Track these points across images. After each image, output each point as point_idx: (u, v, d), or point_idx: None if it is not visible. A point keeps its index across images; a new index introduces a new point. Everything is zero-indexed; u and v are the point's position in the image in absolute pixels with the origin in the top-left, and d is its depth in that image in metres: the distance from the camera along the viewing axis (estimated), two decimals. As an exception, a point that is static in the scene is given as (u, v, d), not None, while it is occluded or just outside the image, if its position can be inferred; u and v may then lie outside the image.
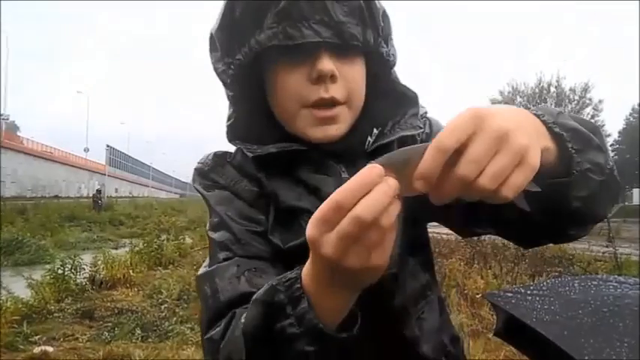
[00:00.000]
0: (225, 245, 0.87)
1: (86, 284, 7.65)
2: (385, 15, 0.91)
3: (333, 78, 0.84)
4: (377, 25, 0.87)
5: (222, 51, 0.90)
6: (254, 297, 0.70)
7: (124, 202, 38.10)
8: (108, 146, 69.73)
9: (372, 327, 0.75)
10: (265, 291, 0.69)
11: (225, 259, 0.85)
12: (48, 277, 7.14)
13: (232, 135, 0.96)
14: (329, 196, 0.57)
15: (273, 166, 0.92)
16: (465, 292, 6.38)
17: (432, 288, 1.00)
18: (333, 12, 0.81)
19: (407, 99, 0.98)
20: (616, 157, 44.73)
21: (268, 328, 0.66)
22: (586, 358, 1.54)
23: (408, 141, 0.94)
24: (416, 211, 0.91)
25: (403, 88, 0.98)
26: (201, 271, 0.89)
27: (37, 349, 4.96)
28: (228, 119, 0.95)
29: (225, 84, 0.92)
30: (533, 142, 0.58)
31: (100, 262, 8.31)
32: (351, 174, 0.57)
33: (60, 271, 7.31)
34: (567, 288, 1.89)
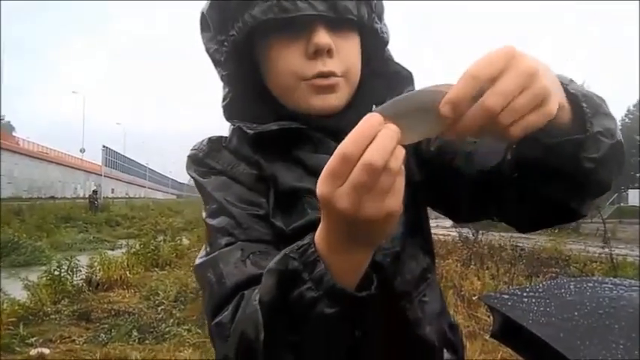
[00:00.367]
0: (226, 230, 0.85)
1: (83, 286, 7.63)
2: None
3: (330, 52, 0.84)
4: (370, 2, 0.88)
5: (215, 29, 0.89)
6: (267, 268, 0.69)
7: (121, 202, 38.02)
8: (104, 147, 69.47)
9: (376, 308, 0.76)
10: (278, 260, 0.68)
11: (227, 245, 0.83)
12: (44, 279, 7.13)
13: (229, 114, 0.95)
14: None
15: (270, 147, 0.90)
16: (462, 293, 6.38)
17: (431, 271, 0.99)
18: None
19: (402, 77, 0.97)
20: (612, 158, 44.68)
21: (285, 298, 0.65)
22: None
23: None
24: (416, 194, 0.92)
25: (398, 67, 0.98)
26: (200, 260, 0.87)
27: (33, 351, 4.95)
28: (224, 99, 0.95)
29: (218, 63, 0.92)
30: (555, 90, 0.60)
31: (96, 264, 8.29)
32: None
33: (56, 273, 7.30)
34: (563, 290, 1.90)
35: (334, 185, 0.58)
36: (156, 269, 9.79)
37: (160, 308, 6.52)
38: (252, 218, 0.86)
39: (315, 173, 0.88)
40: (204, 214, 0.92)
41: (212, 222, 0.88)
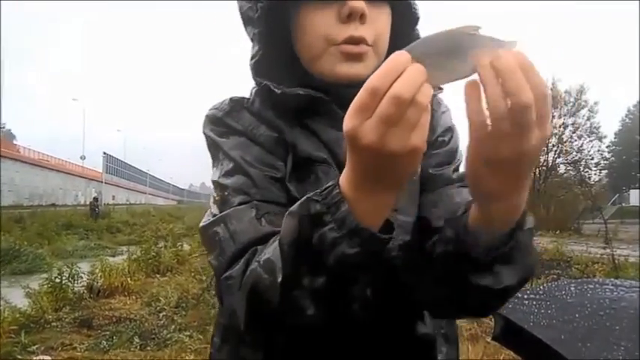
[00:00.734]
0: (241, 190, 0.84)
1: (84, 293, 7.61)
2: None
3: (363, 18, 0.83)
4: None
5: None
6: (288, 211, 0.69)
7: (121, 209, 37.98)
8: (104, 153, 69.56)
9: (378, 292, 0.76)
10: (300, 204, 0.67)
11: (241, 203, 0.82)
12: (45, 286, 7.11)
13: (257, 72, 0.93)
14: (339, 155, 0.60)
15: (292, 113, 0.90)
16: (464, 295, 6.36)
17: None
18: None
19: None
20: (612, 158, 44.85)
21: (306, 239, 0.65)
22: (583, 362, 1.55)
23: None
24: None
25: None
26: (208, 219, 0.85)
27: (35, 359, 4.94)
28: (252, 57, 0.93)
29: (250, 21, 0.91)
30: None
31: (97, 271, 8.27)
32: None
33: (57, 280, 7.28)
34: (564, 292, 1.90)
35: (362, 118, 0.58)
36: (157, 275, 9.78)
37: (161, 314, 6.51)
38: (269, 180, 0.85)
39: (328, 146, 0.87)
40: (215, 175, 0.89)
41: (226, 181, 0.86)
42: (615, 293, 1.78)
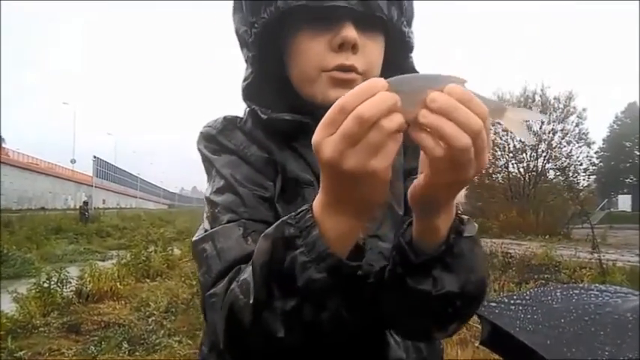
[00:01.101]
0: (230, 208, 0.85)
1: (72, 298, 7.55)
2: None
3: (355, 48, 0.85)
4: (401, 4, 0.89)
5: (247, 11, 0.90)
6: (264, 233, 0.70)
7: (112, 213, 37.76)
8: (95, 157, 69.10)
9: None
10: (275, 227, 0.69)
11: (230, 221, 0.84)
12: (33, 291, 7.04)
13: (246, 95, 0.95)
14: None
15: (281, 135, 0.92)
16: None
17: None
18: None
19: None
20: (601, 164, 45.23)
21: (278, 262, 0.67)
22: (567, 366, 1.56)
23: None
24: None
25: None
26: (199, 235, 0.87)
27: (22, 365, 4.90)
28: (245, 80, 0.95)
29: (245, 44, 0.93)
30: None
31: (86, 275, 8.20)
32: None
33: (46, 285, 7.22)
34: (550, 297, 1.92)
35: (327, 133, 0.60)
36: (147, 280, 9.71)
37: (150, 319, 6.47)
38: (257, 199, 0.87)
39: (314, 169, 0.89)
40: (208, 192, 0.92)
41: (217, 198, 0.88)
42: (600, 299, 1.80)
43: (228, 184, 0.88)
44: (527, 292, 2.00)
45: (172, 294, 7.60)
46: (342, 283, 0.67)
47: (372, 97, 0.58)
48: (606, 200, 49.59)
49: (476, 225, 0.75)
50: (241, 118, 0.98)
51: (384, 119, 0.57)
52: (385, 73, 0.91)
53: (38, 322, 6.23)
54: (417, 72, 0.97)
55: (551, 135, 33.99)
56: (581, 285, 1.95)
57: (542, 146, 33.98)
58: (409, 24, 0.93)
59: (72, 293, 7.69)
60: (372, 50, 0.88)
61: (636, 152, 53.93)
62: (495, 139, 35.23)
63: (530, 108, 33.92)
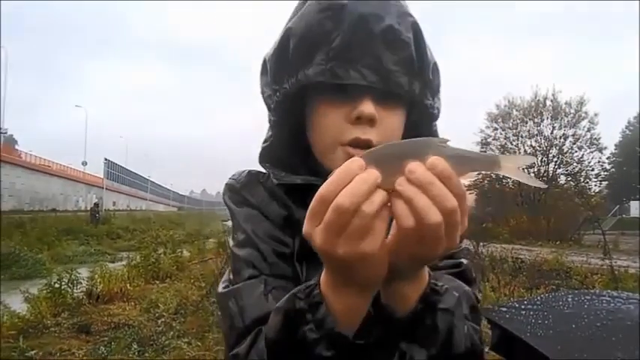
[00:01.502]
0: (251, 263, 0.87)
1: (83, 298, 7.63)
2: (436, 68, 0.93)
3: (372, 122, 0.85)
4: (425, 77, 0.89)
5: (272, 77, 0.92)
6: (276, 306, 0.72)
7: (122, 215, 37.96)
8: (106, 159, 69.58)
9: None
10: (286, 300, 0.70)
11: (250, 277, 0.86)
12: (44, 292, 7.12)
13: (264, 157, 0.97)
14: None
15: (300, 195, 0.92)
16: (463, 305, 6.34)
17: None
18: (384, 59, 0.83)
19: None
20: (613, 169, 44.83)
21: (290, 336, 0.68)
22: (578, 372, 1.55)
23: None
24: None
25: None
26: (223, 287, 0.89)
27: (33, 364, 4.94)
28: (265, 141, 0.97)
29: (269, 108, 0.94)
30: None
31: (97, 276, 8.28)
32: None
33: (57, 285, 7.30)
34: (561, 302, 1.91)
35: (314, 224, 0.61)
36: (156, 282, 9.79)
37: (160, 321, 6.51)
38: (277, 255, 0.89)
39: None
40: (231, 242, 0.94)
41: (239, 252, 0.90)
42: (612, 305, 1.78)
43: (249, 238, 0.90)
44: (538, 298, 1.99)
45: (182, 296, 7.64)
46: (351, 358, 0.68)
47: (350, 182, 0.58)
48: (618, 206, 49.11)
49: (456, 295, 0.74)
50: (264, 174, 1.00)
51: (365, 204, 0.58)
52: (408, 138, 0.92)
53: (49, 322, 6.30)
54: None
55: (562, 140, 33.76)
56: (592, 291, 1.93)
57: (554, 151, 33.76)
58: (434, 95, 0.93)
59: (82, 294, 7.77)
60: (390, 123, 0.88)
61: (649, 158, 53.39)
62: (506, 144, 35.10)
63: (542, 113, 33.77)
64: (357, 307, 0.68)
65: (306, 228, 0.62)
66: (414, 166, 0.59)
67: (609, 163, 40.57)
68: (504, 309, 1.95)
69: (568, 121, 33.68)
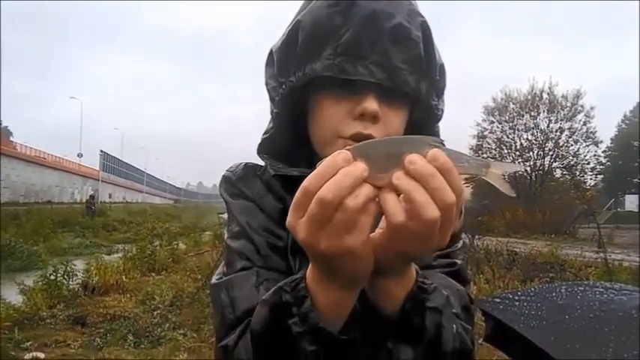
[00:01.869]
0: (244, 255, 0.88)
1: (78, 290, 7.63)
2: (442, 69, 0.92)
3: (375, 119, 0.84)
4: (432, 77, 0.89)
5: (278, 69, 0.91)
6: (262, 298, 0.72)
7: (118, 207, 37.94)
8: (102, 151, 69.32)
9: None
10: (273, 292, 0.70)
11: (243, 269, 0.86)
12: (40, 283, 7.12)
13: (262, 148, 0.97)
14: None
15: (296, 188, 0.93)
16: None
17: None
18: (392, 56, 0.82)
19: None
20: (609, 163, 44.98)
21: (275, 329, 0.68)
22: (571, 362, 1.56)
23: None
24: None
25: None
26: (216, 279, 0.89)
27: (28, 356, 4.95)
28: (265, 132, 0.97)
29: (272, 100, 0.94)
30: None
31: (92, 268, 8.28)
32: None
33: (52, 277, 7.29)
34: (554, 294, 1.91)
35: (297, 216, 0.60)
36: (152, 274, 9.80)
37: (155, 313, 6.53)
38: (271, 247, 0.89)
39: None
40: (225, 235, 0.95)
41: (232, 244, 0.91)
42: (605, 296, 1.79)
43: (244, 230, 0.90)
44: (532, 289, 2.00)
45: (177, 288, 7.66)
46: (336, 353, 0.68)
47: (334, 176, 0.57)
48: (613, 200, 49.32)
49: (445, 293, 0.73)
50: (261, 167, 1.00)
51: (349, 198, 0.57)
52: None
53: (44, 313, 6.30)
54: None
55: (558, 133, 33.89)
56: (586, 282, 1.94)
57: (550, 145, 33.86)
58: (440, 95, 0.92)
59: (78, 286, 7.78)
60: (392, 120, 0.87)
61: (644, 152, 53.60)
62: (502, 137, 35.17)
63: (538, 107, 33.79)
64: (343, 302, 0.68)
65: (289, 220, 0.61)
66: (415, 158, 0.58)
67: (605, 157, 40.72)
68: (498, 300, 1.96)
69: (564, 114, 33.80)
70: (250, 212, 0.93)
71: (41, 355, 4.97)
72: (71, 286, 7.61)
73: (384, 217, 0.61)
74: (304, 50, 0.86)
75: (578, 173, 33.98)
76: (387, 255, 0.64)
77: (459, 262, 0.95)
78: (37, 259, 11.47)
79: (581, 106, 33.80)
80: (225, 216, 1.00)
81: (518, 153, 34.78)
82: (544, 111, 34.08)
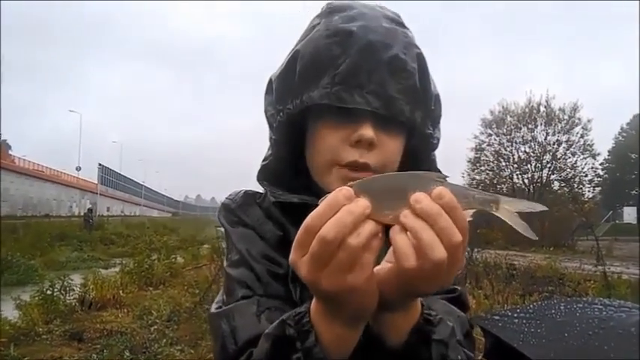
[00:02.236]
0: (244, 283, 0.87)
1: (75, 305, 7.58)
2: (438, 100, 0.94)
3: (371, 146, 0.85)
4: (427, 107, 0.90)
5: (276, 97, 0.92)
6: (265, 331, 0.71)
7: (116, 220, 37.85)
8: (100, 165, 69.45)
9: None
10: (276, 326, 0.70)
11: (244, 297, 0.86)
12: (37, 298, 7.06)
13: (262, 175, 0.97)
14: None
15: (296, 215, 0.91)
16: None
17: None
18: (388, 86, 0.84)
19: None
20: (606, 175, 45.11)
21: None
22: (570, 382, 1.55)
23: None
24: None
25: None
26: (216, 308, 0.89)
27: (23, 373, 4.89)
28: (264, 160, 0.97)
29: (271, 127, 0.95)
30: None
31: (89, 283, 8.23)
32: None
33: (49, 292, 7.24)
34: (553, 311, 1.90)
35: (300, 254, 0.60)
36: (150, 288, 9.74)
37: (152, 328, 6.48)
38: (271, 275, 0.88)
39: None
40: (225, 263, 0.94)
41: (232, 272, 0.90)
42: (604, 313, 1.78)
43: (243, 258, 0.90)
44: (531, 306, 1.99)
45: (175, 302, 7.61)
46: None
47: (336, 214, 0.57)
48: (611, 212, 49.41)
49: (450, 324, 0.73)
50: (260, 194, 1.00)
51: (351, 236, 0.56)
52: (409, 168, 0.91)
53: (41, 329, 6.24)
54: (439, 171, 0.97)
55: (556, 146, 33.99)
56: (585, 299, 1.93)
57: (547, 157, 33.95)
58: (435, 125, 0.94)
59: (75, 301, 7.72)
60: (389, 148, 0.88)
61: (642, 164, 53.76)
62: (500, 149, 35.26)
63: (535, 120, 33.94)
64: (347, 337, 0.67)
65: (292, 257, 0.61)
66: (420, 197, 0.58)
67: (602, 169, 40.84)
68: (497, 317, 1.95)
69: (562, 127, 33.94)
70: (250, 240, 0.92)
71: (37, 372, 4.92)
72: (68, 301, 7.56)
73: (390, 251, 0.61)
74: (302, 79, 0.87)
75: (575, 185, 34.04)
76: (393, 291, 0.63)
77: (459, 288, 0.95)
78: (34, 273, 11.40)
79: (579, 118, 33.98)
80: (222, 229, 1.00)
81: (516, 165, 34.88)
82: (541, 124, 34.24)
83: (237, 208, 0.98)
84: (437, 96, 0.93)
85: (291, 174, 0.96)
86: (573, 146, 34.18)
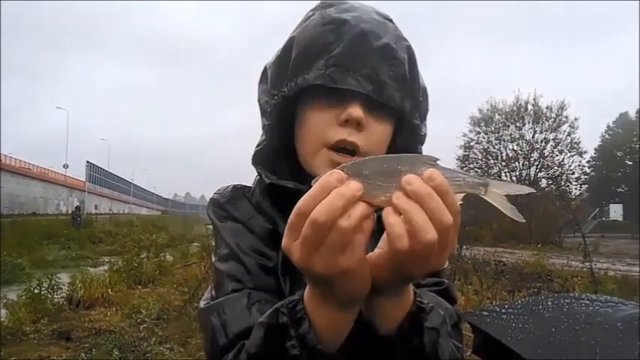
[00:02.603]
0: (234, 277, 0.87)
1: (63, 304, 7.52)
2: (425, 93, 0.96)
3: (359, 126, 0.86)
4: (416, 97, 0.93)
5: (271, 83, 0.94)
6: (259, 320, 0.71)
7: (104, 218, 37.54)
8: (88, 162, 68.76)
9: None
10: (269, 314, 0.70)
11: (234, 290, 0.85)
12: (24, 297, 7.00)
13: (256, 160, 0.98)
14: None
15: (287, 205, 0.93)
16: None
17: None
18: (380, 71, 0.86)
19: None
20: (593, 173, 45.58)
21: (272, 351, 0.67)
22: (558, 376, 1.57)
23: None
24: None
25: None
26: (205, 302, 0.89)
27: (11, 372, 4.85)
28: (258, 145, 0.98)
29: (264, 113, 0.95)
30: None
31: (78, 281, 8.17)
32: None
33: (36, 291, 7.17)
34: (541, 306, 1.93)
35: (292, 238, 0.60)
36: (139, 287, 9.68)
37: (142, 327, 6.43)
38: (261, 268, 0.88)
39: None
40: (214, 258, 0.94)
41: (221, 266, 0.90)
42: (591, 308, 1.81)
43: (233, 252, 0.90)
44: (519, 302, 2.01)
45: (164, 301, 7.57)
46: None
47: (327, 196, 0.57)
48: (598, 209, 49.91)
49: (441, 313, 0.73)
50: (249, 188, 1.00)
51: (342, 218, 0.57)
52: None
53: (28, 328, 6.19)
54: None
55: (543, 144, 34.28)
56: (572, 294, 1.96)
57: (535, 155, 34.23)
58: (422, 118, 0.95)
59: (63, 299, 7.66)
60: (377, 131, 0.89)
61: (628, 162, 54.41)
62: (488, 147, 35.49)
63: (523, 118, 34.19)
64: (341, 322, 0.68)
65: (284, 242, 0.62)
66: (412, 178, 0.58)
67: (589, 167, 41.26)
68: (486, 313, 1.97)
69: (549, 125, 34.23)
70: (239, 234, 0.93)
71: (24, 371, 4.88)
72: (56, 300, 7.49)
73: (383, 237, 0.62)
74: (297, 63, 0.89)
75: (563, 183, 34.37)
76: (385, 275, 0.64)
77: (446, 281, 0.96)
78: (21, 272, 11.26)
79: (566, 117, 34.29)
80: (211, 225, 1.00)
81: (504, 163, 35.16)
82: (529, 122, 34.53)
83: (226, 203, 0.98)
84: (424, 89, 0.95)
85: (280, 161, 0.97)
86: (560, 144, 34.55)
